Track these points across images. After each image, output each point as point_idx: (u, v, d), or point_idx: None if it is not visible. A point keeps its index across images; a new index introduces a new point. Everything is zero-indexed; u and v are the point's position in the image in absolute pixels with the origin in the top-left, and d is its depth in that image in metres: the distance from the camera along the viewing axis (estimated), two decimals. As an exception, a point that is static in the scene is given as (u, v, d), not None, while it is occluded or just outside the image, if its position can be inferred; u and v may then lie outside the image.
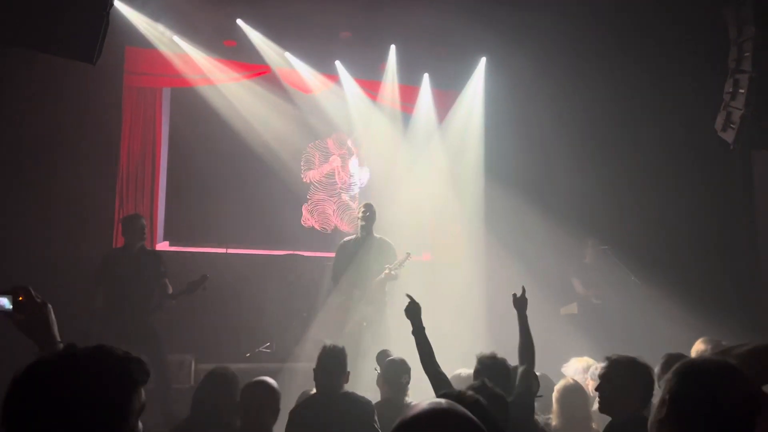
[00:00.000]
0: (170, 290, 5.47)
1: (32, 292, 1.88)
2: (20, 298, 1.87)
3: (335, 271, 6.13)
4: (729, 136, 5.31)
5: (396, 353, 4.33)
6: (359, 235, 6.11)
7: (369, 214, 6.08)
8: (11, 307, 1.86)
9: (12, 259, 5.96)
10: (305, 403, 3.61)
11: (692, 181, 7.85)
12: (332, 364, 3.57)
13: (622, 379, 2.83)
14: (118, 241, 6.41)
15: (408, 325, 3.47)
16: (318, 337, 6.55)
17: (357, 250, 6.04)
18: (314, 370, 3.59)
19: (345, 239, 6.26)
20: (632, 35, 7.30)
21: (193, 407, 3.41)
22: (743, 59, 5.19)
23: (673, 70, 7.45)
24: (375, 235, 6.11)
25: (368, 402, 3.57)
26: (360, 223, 6.08)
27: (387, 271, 5.84)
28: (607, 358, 2.98)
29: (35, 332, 1.85)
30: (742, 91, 5.15)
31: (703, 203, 7.89)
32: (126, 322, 5.16)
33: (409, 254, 5.99)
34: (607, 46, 7.46)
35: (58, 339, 1.87)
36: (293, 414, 3.50)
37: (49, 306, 1.90)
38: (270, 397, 3.25)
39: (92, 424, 1.29)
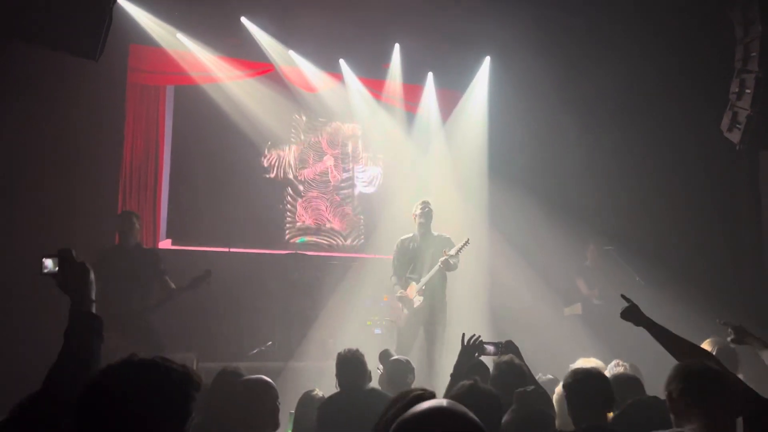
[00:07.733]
0: (172, 286, 5.37)
1: (73, 253, 2.07)
2: (64, 260, 2.06)
3: (396, 270, 6.05)
4: (735, 137, 5.28)
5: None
6: (417, 233, 6.01)
7: (426, 210, 5.97)
8: (56, 269, 2.06)
9: (13, 258, 5.93)
10: (331, 399, 3.62)
11: (698, 181, 7.81)
12: (351, 371, 3.62)
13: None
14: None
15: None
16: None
17: (417, 249, 5.95)
18: (336, 375, 3.66)
19: (402, 237, 6.13)
20: (638, 35, 7.26)
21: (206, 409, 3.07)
22: (750, 59, 5.16)
23: (679, 70, 7.40)
24: (433, 232, 6.01)
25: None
26: (418, 220, 5.96)
27: (444, 258, 5.72)
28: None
29: (75, 291, 2.02)
30: (748, 91, 5.13)
31: (709, 204, 7.85)
32: (123, 319, 5.07)
33: (468, 240, 5.89)
34: (612, 46, 7.42)
35: (93, 298, 2.04)
36: (321, 409, 3.53)
37: (89, 267, 2.08)
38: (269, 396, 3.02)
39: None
